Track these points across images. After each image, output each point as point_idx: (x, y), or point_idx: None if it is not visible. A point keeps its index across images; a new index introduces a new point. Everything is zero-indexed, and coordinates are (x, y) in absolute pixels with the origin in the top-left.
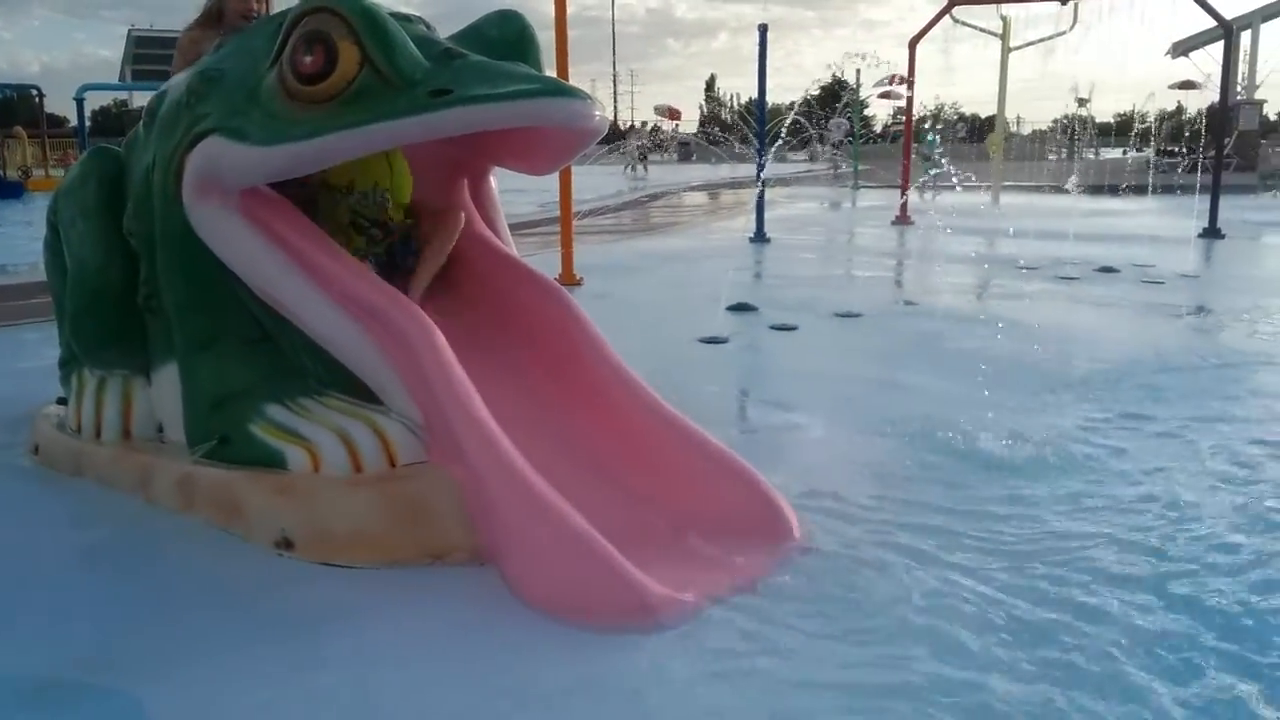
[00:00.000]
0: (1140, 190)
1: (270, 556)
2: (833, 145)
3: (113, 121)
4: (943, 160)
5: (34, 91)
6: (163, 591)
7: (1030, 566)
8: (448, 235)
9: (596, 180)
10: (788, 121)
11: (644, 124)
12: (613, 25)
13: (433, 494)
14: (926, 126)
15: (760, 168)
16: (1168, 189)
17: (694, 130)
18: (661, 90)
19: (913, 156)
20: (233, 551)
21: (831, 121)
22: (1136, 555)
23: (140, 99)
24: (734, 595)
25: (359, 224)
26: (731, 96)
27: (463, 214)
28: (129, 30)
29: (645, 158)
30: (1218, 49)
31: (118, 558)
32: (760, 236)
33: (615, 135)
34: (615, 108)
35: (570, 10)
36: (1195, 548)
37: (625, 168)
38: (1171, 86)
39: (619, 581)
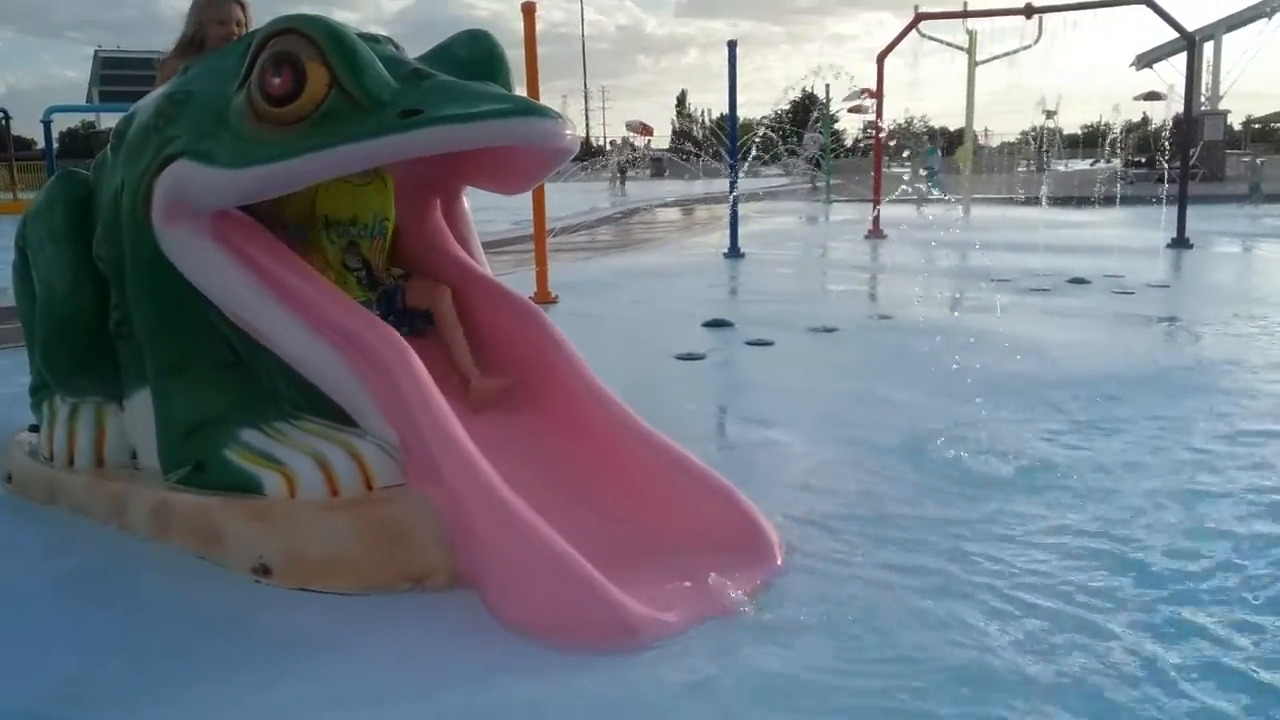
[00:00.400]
0: (1109, 201)
1: (247, 583)
2: (808, 160)
3: (80, 143)
4: (939, 174)
5: (0, 114)
6: (139, 620)
7: (1011, 581)
8: (446, 305)
9: (574, 198)
10: (759, 137)
11: (624, 140)
12: (583, 42)
13: (410, 517)
14: (928, 139)
15: (733, 183)
16: (1136, 200)
17: (666, 146)
18: (633, 106)
19: (914, 169)
20: (209, 578)
21: (807, 136)
22: (1117, 565)
23: (108, 120)
24: (715, 614)
25: (348, 263)
26: (703, 112)
27: (447, 290)
28: (95, 51)
29: (625, 175)
30: (1181, 60)
31: (92, 586)
32: (735, 252)
33: (588, 153)
34: (587, 124)
35: (540, 28)
36: (1179, 558)
37: (611, 185)
38: (1137, 98)
39: (599, 602)
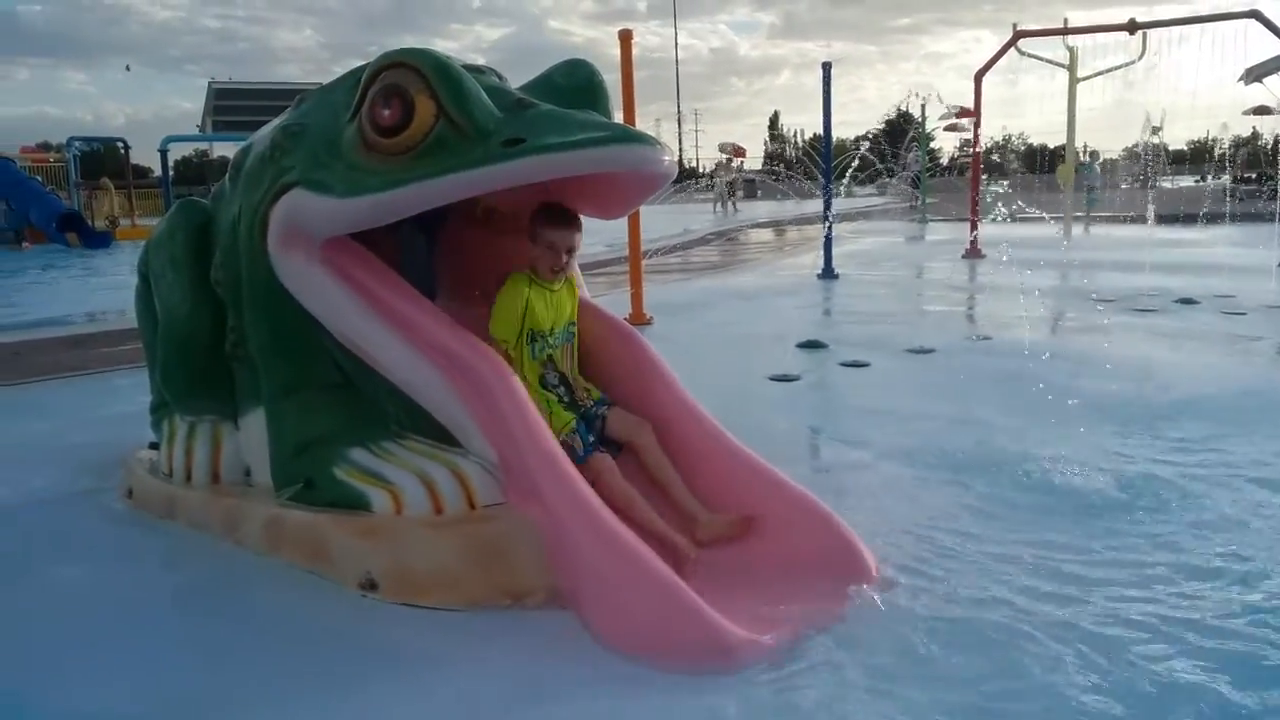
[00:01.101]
0: (1217, 218)
1: (354, 597)
2: (912, 179)
3: (194, 171)
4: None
5: (120, 144)
6: (251, 632)
7: (1120, 608)
8: (649, 439)
9: (664, 219)
10: (856, 157)
11: (729, 159)
12: (676, 66)
13: (511, 536)
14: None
15: (827, 203)
16: (1246, 217)
17: (759, 168)
18: (726, 129)
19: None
20: (318, 592)
21: (909, 156)
22: (1218, 597)
23: (220, 149)
24: (812, 637)
25: (547, 381)
26: (795, 133)
27: (648, 425)
28: (209, 83)
29: (735, 193)
30: None
31: (207, 598)
32: (829, 272)
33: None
34: (680, 147)
35: (635, 53)
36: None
37: (715, 205)
38: (1245, 113)
39: (697, 623)
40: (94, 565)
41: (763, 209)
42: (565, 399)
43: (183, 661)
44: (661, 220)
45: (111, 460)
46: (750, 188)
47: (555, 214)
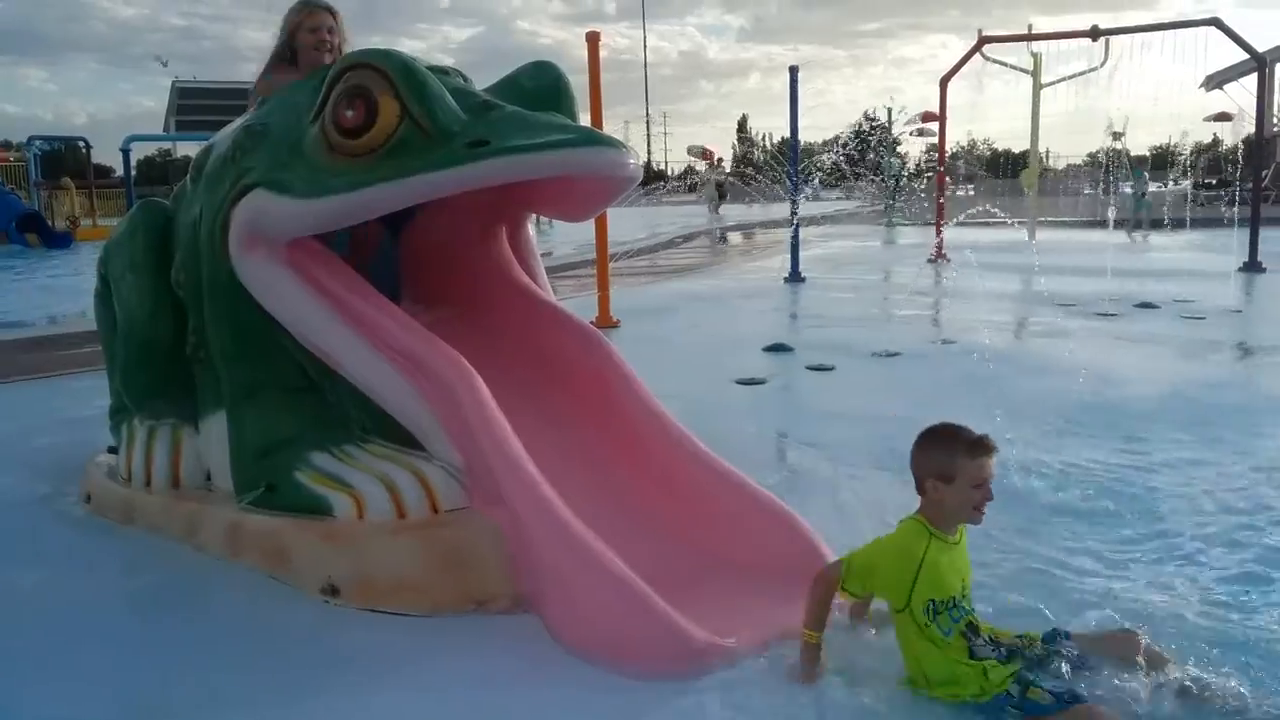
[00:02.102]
0: (1179, 224)
1: (316, 603)
2: (892, 180)
3: (157, 170)
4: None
5: (81, 143)
6: (212, 638)
7: (1079, 609)
8: None
9: (635, 222)
10: (826, 161)
11: (720, 161)
12: (645, 68)
13: (475, 540)
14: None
15: (794, 208)
16: (1206, 222)
17: (727, 171)
18: (695, 131)
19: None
20: (280, 598)
21: (892, 159)
22: (1190, 600)
23: (184, 148)
24: (774, 639)
25: (975, 652)
26: (764, 136)
27: None
28: (173, 82)
29: (724, 196)
30: (1252, 81)
31: (168, 604)
32: (795, 276)
33: (650, 177)
34: (649, 149)
35: (604, 55)
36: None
37: (708, 207)
38: (1207, 119)
39: (661, 626)
40: (51, 571)
41: (731, 211)
42: (1003, 656)
43: (142, 668)
44: (632, 222)
45: (70, 465)
46: (719, 190)
47: (979, 442)
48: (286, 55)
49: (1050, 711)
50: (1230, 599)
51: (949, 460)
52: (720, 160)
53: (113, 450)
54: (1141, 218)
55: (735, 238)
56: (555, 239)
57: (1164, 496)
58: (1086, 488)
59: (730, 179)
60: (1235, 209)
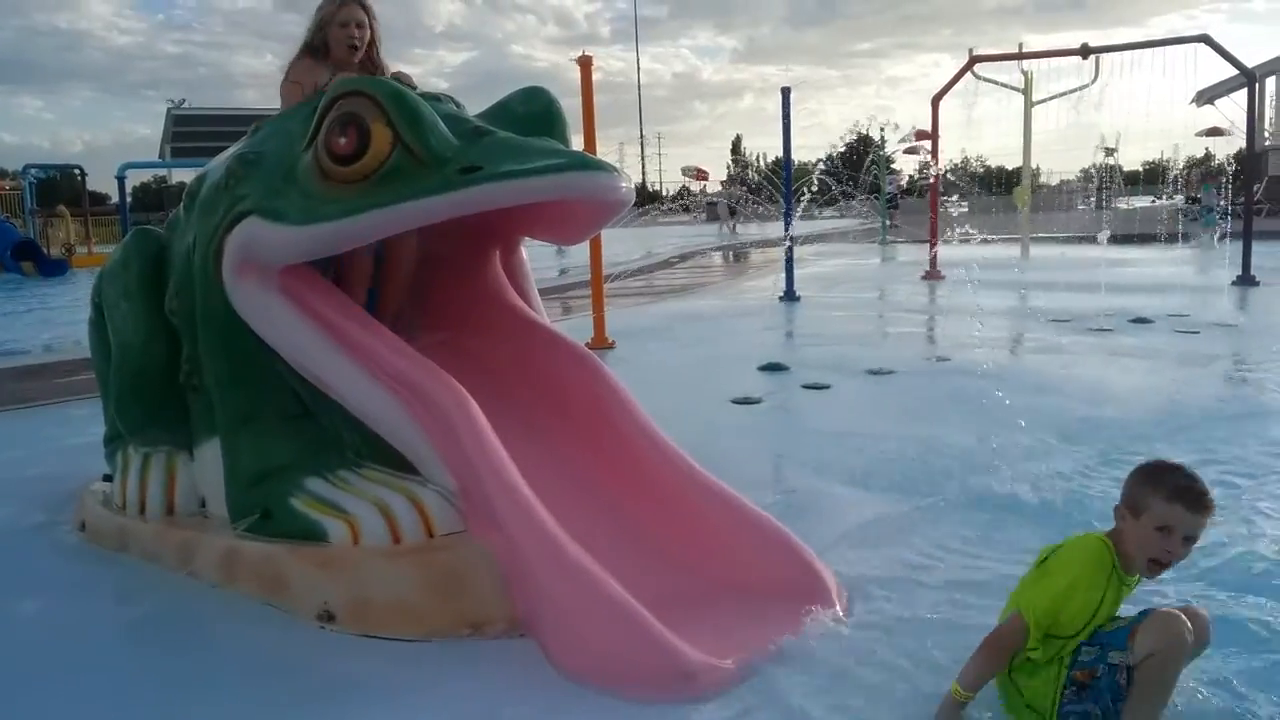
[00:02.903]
0: (1171, 238)
1: (312, 629)
2: (890, 199)
3: (152, 197)
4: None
5: (76, 171)
6: (207, 665)
7: None
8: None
9: (631, 243)
10: (816, 180)
11: (732, 177)
12: (639, 90)
13: (470, 565)
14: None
15: (788, 227)
16: (1200, 237)
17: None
18: (689, 152)
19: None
20: (275, 624)
21: (888, 177)
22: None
23: (179, 175)
24: (773, 663)
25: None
26: (757, 156)
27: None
28: (168, 109)
29: (735, 213)
30: (1242, 96)
31: (163, 632)
32: (790, 295)
33: (645, 199)
34: (643, 171)
35: (597, 77)
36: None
37: (720, 226)
38: (1199, 134)
39: (657, 649)
40: (45, 600)
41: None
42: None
43: (137, 696)
44: (627, 244)
45: (64, 493)
46: (713, 210)
47: (1190, 489)
48: (318, 46)
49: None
50: (1226, 609)
51: (1145, 494)
52: (733, 179)
53: (107, 478)
54: (1212, 231)
55: (729, 257)
56: (548, 261)
57: None
58: (1080, 503)
59: (714, 200)
60: (1228, 222)
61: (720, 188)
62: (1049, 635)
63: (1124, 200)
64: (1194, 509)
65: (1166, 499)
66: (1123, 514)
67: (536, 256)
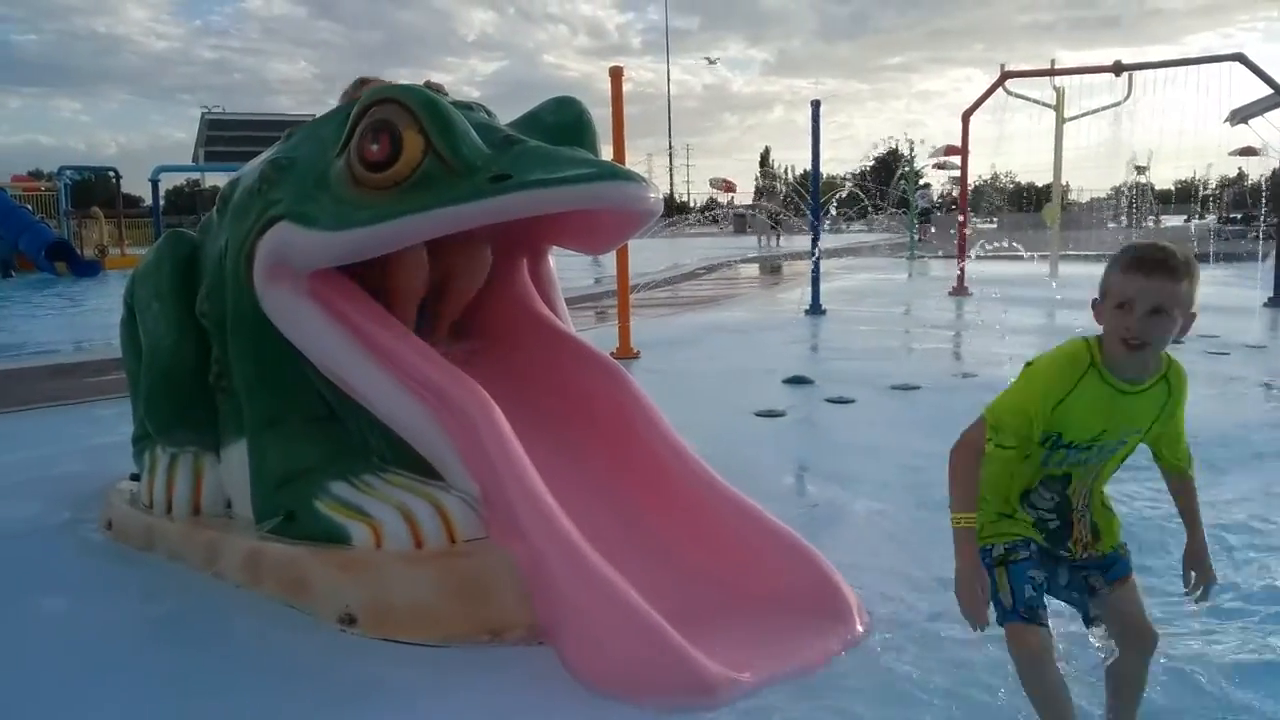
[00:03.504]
0: (1203, 258)
1: (333, 631)
2: (920, 214)
3: (185, 200)
4: None
5: (111, 173)
6: (230, 666)
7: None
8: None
9: (660, 255)
10: (844, 193)
11: (768, 185)
12: (669, 101)
13: (492, 571)
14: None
15: (815, 240)
16: (1231, 256)
17: (749, 202)
18: (718, 164)
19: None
20: (297, 626)
21: (918, 193)
22: (1215, 640)
23: (212, 179)
24: (792, 676)
25: (1036, 499)
26: (786, 169)
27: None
28: (202, 114)
29: (778, 225)
30: (1277, 116)
31: (187, 631)
32: (816, 308)
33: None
34: (671, 182)
35: (628, 88)
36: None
37: (760, 239)
38: (1232, 153)
39: (676, 660)
40: (72, 597)
41: (752, 243)
42: (1050, 527)
43: (160, 695)
44: (653, 254)
45: (91, 491)
46: (740, 223)
47: (1140, 259)
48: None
49: (1010, 618)
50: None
51: (1105, 274)
52: (766, 190)
53: (135, 477)
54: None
55: (755, 269)
56: (574, 271)
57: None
58: None
59: (742, 212)
60: (1260, 243)
61: (760, 199)
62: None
63: (1154, 219)
64: (1149, 273)
65: (1122, 271)
66: (1094, 301)
67: (572, 265)
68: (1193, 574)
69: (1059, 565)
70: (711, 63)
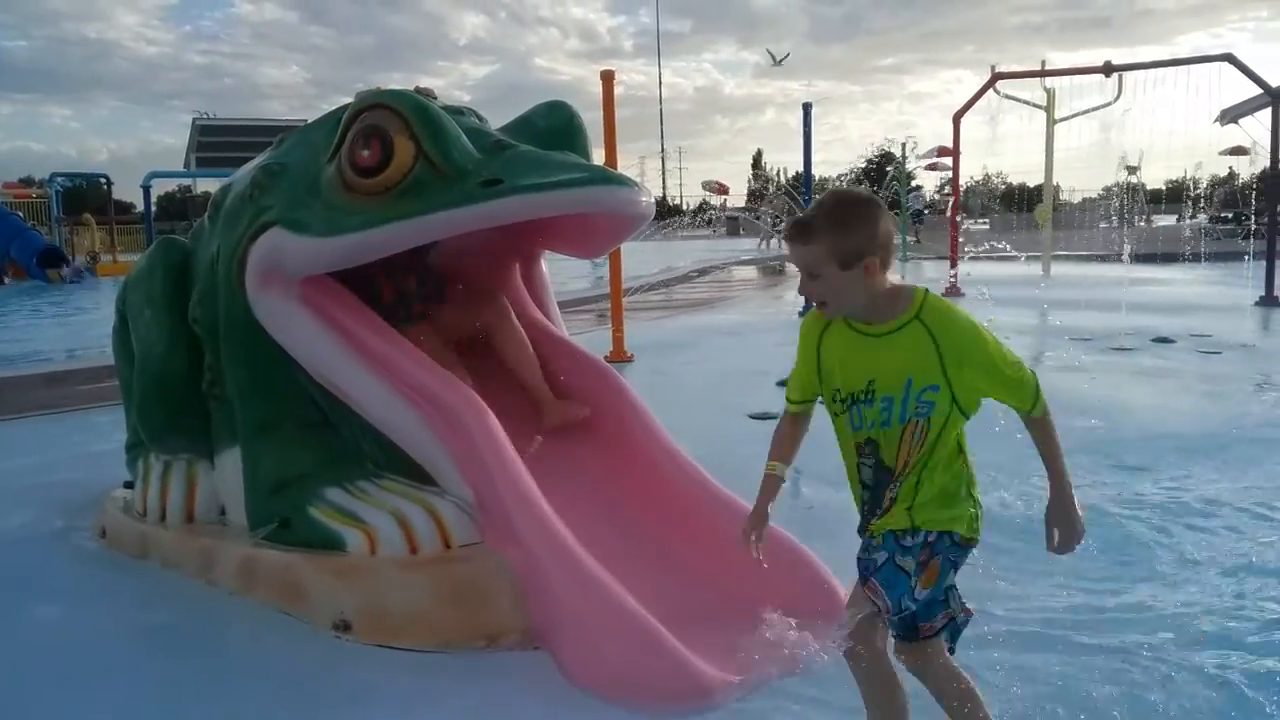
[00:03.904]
0: (1194, 258)
1: (328, 638)
2: (916, 214)
3: (177, 206)
4: None
5: (102, 180)
6: (224, 673)
7: (1101, 646)
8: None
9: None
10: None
11: (779, 186)
12: (660, 104)
13: (487, 576)
14: None
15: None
16: (1222, 256)
17: (742, 205)
18: (710, 166)
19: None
20: (292, 633)
21: (911, 195)
22: (1191, 632)
23: (203, 185)
24: (788, 678)
25: (862, 468)
26: (778, 171)
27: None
28: (193, 119)
29: (778, 230)
30: (1267, 115)
31: (181, 639)
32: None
33: (666, 212)
34: (664, 185)
35: (619, 90)
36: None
37: (760, 242)
38: (1222, 153)
39: (672, 663)
40: (65, 605)
41: (744, 245)
42: (865, 498)
43: (154, 703)
44: (647, 257)
45: (85, 499)
46: (733, 225)
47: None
48: None
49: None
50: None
51: None
52: (760, 193)
53: (128, 485)
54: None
55: (749, 272)
56: (567, 274)
57: (1178, 531)
58: (1098, 520)
59: (735, 214)
60: (1251, 243)
61: (762, 203)
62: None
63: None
64: (789, 242)
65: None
66: None
67: (572, 268)
68: (1055, 531)
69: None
70: (777, 62)
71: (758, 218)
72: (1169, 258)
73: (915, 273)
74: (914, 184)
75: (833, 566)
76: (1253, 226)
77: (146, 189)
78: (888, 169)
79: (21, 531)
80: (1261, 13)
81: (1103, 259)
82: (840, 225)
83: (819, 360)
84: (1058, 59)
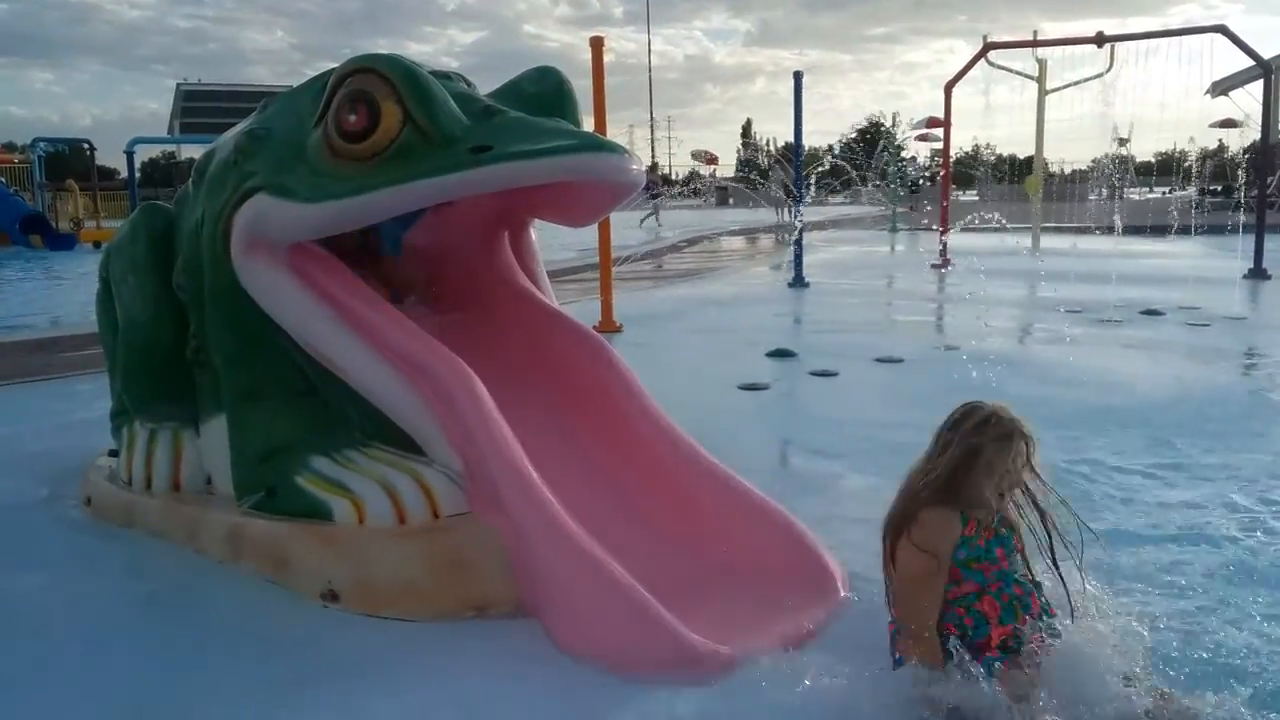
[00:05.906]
0: (1184, 230)
1: (316, 607)
2: (913, 184)
3: (161, 173)
4: None
5: (85, 145)
6: (210, 642)
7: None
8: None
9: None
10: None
11: (770, 156)
12: (649, 74)
13: (475, 546)
14: None
15: (797, 213)
16: (1212, 229)
17: (731, 175)
18: (699, 136)
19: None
20: (279, 602)
21: (905, 164)
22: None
23: (188, 151)
24: (776, 647)
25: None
26: (768, 140)
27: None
28: (178, 85)
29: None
30: (1258, 87)
31: (167, 608)
32: (799, 281)
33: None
34: (653, 154)
35: (609, 59)
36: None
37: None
38: (1212, 125)
39: (659, 632)
40: (50, 574)
41: (734, 216)
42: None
43: (140, 671)
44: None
45: (70, 468)
46: (722, 195)
47: None
48: None
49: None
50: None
51: None
52: (779, 159)
53: (113, 453)
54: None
55: (738, 242)
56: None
57: (1166, 501)
58: (1087, 493)
59: (724, 184)
60: (1241, 215)
61: (775, 168)
62: None
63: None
64: None
65: None
66: None
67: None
68: None
69: None
70: None
71: (724, 187)
72: (1159, 230)
73: (905, 243)
74: (908, 154)
75: (821, 536)
76: (1242, 199)
77: (130, 155)
78: (879, 139)
79: (5, 499)
80: None
81: (1093, 231)
82: None
83: None
84: (1050, 29)
